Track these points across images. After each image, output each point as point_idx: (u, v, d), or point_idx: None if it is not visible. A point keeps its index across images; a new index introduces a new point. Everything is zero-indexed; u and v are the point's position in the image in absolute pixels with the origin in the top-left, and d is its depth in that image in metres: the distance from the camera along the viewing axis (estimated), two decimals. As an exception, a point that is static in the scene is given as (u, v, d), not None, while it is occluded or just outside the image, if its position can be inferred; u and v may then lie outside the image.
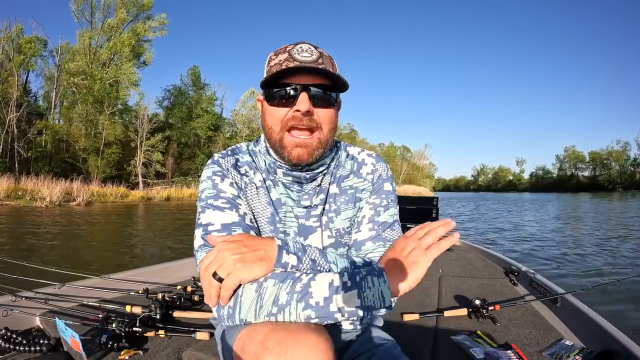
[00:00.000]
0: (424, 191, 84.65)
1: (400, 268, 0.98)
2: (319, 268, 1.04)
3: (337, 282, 0.96)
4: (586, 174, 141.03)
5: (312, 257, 1.05)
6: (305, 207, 1.30)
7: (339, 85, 1.19)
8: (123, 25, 43.71)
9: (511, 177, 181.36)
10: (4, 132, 33.78)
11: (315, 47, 1.19)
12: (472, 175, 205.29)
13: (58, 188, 27.18)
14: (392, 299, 0.97)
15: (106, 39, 43.52)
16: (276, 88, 1.16)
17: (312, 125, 1.16)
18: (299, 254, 1.04)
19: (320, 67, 1.13)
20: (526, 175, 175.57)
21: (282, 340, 0.89)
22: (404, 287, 0.97)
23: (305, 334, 0.90)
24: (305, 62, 1.13)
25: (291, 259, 1.02)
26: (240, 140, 49.25)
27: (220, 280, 0.96)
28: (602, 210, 29.39)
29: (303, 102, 1.13)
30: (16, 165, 34.30)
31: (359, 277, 0.97)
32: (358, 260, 1.16)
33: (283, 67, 1.12)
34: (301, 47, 1.17)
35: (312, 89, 1.14)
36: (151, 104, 47.65)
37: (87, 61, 41.54)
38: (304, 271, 1.02)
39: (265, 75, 1.19)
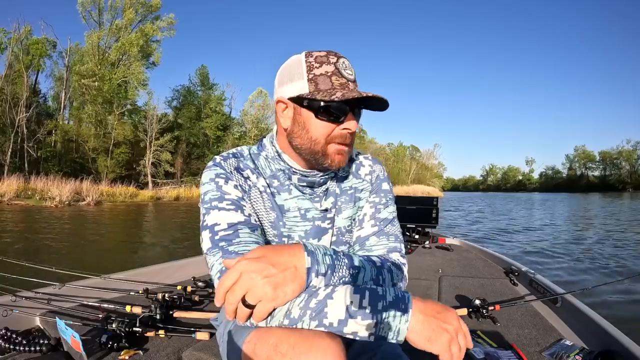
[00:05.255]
0: (433, 191, 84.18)
1: (426, 321, 0.91)
2: (344, 281, 1.01)
3: (355, 306, 0.90)
4: (596, 173, 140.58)
5: (341, 274, 1.01)
6: (321, 210, 1.32)
7: (374, 106, 1.22)
8: (131, 25, 43.86)
9: (520, 177, 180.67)
10: (14, 132, 33.99)
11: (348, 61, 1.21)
12: (481, 175, 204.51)
13: (67, 188, 27.27)
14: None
15: (115, 40, 43.65)
16: (325, 101, 1.14)
17: (349, 143, 1.21)
18: (329, 272, 0.98)
19: (383, 98, 1.14)
20: (536, 175, 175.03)
21: (295, 345, 0.89)
22: (416, 341, 0.90)
23: (319, 338, 0.90)
24: (350, 81, 1.16)
25: (319, 282, 0.97)
26: (249, 140, 49.42)
27: (250, 306, 0.91)
28: (610, 210, 29.20)
29: (352, 122, 1.17)
30: (26, 165, 34.49)
31: (381, 305, 0.91)
32: (383, 265, 1.16)
33: (334, 83, 1.14)
34: (344, 63, 1.17)
35: (358, 109, 1.19)
36: (160, 104, 47.75)
37: (96, 62, 41.70)
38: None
39: (306, 81, 1.17)
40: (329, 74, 1.14)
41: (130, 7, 42.95)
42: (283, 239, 1.28)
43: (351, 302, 0.90)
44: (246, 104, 55.17)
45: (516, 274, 3.63)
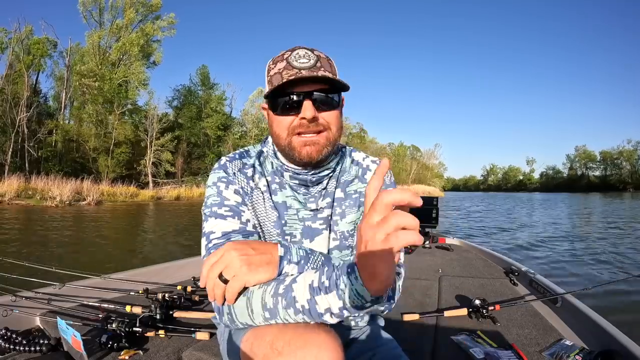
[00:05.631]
0: (434, 191, 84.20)
1: (367, 262, 0.80)
2: None
3: (316, 283, 0.92)
4: (597, 173, 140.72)
5: (315, 266, 1.04)
6: (312, 210, 1.32)
7: (340, 87, 1.20)
8: (132, 25, 43.91)
9: (521, 177, 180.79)
10: (15, 132, 33.99)
11: (312, 51, 1.21)
12: (482, 175, 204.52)
13: (68, 187, 27.28)
14: (383, 297, 0.89)
15: (115, 40, 43.71)
16: (279, 97, 1.18)
17: (318, 129, 1.19)
18: (302, 262, 1.03)
19: (319, 73, 1.15)
20: (536, 175, 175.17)
21: (291, 341, 0.89)
22: (377, 285, 0.82)
23: (314, 333, 0.90)
24: (303, 69, 1.15)
25: (292, 269, 1.01)
26: (250, 140, 49.49)
27: (226, 281, 0.97)
28: (611, 210, 29.21)
29: (307, 109, 1.14)
30: (26, 165, 34.49)
31: (335, 275, 0.91)
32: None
33: (284, 78, 1.14)
34: (298, 54, 1.19)
35: (315, 94, 1.16)
36: (161, 104, 47.84)
37: (96, 62, 41.74)
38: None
39: (266, 84, 1.22)
40: (280, 70, 1.17)
41: (131, 6, 43.00)
42: (286, 237, 1.29)
43: (312, 281, 0.93)
44: (247, 104, 55.24)
45: (516, 274, 3.63)
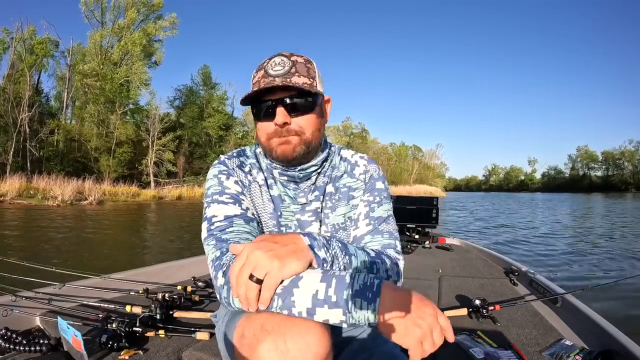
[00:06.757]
0: (436, 191, 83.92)
1: (396, 312, 0.89)
2: (339, 265, 1.04)
3: (321, 295, 0.90)
4: (599, 173, 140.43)
5: (334, 253, 1.04)
6: (301, 204, 1.39)
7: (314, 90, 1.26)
8: (133, 25, 43.93)
9: (523, 177, 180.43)
10: (16, 131, 34.01)
11: (289, 57, 1.26)
12: (484, 175, 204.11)
13: (70, 187, 27.26)
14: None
15: (117, 39, 43.75)
16: (257, 104, 1.26)
17: (290, 135, 1.25)
18: (325, 248, 1.03)
19: (292, 79, 1.21)
20: (538, 175, 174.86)
21: (280, 322, 0.91)
22: (387, 332, 0.89)
23: (303, 318, 0.92)
24: (277, 76, 1.21)
25: (323, 254, 1.01)
26: (252, 139, 49.49)
27: (259, 281, 0.91)
28: (612, 210, 29.19)
29: (279, 115, 1.22)
30: (28, 164, 34.51)
31: (347, 293, 0.90)
32: (378, 256, 1.19)
33: (260, 86, 1.21)
34: (274, 61, 1.24)
35: (287, 100, 1.23)
36: (162, 104, 47.90)
37: (98, 61, 41.78)
38: None
39: (250, 90, 1.28)
40: (259, 78, 1.24)
41: (133, 6, 43.02)
42: (281, 228, 1.37)
43: (317, 291, 0.91)
44: (248, 104, 55.12)
45: (516, 274, 3.63)
